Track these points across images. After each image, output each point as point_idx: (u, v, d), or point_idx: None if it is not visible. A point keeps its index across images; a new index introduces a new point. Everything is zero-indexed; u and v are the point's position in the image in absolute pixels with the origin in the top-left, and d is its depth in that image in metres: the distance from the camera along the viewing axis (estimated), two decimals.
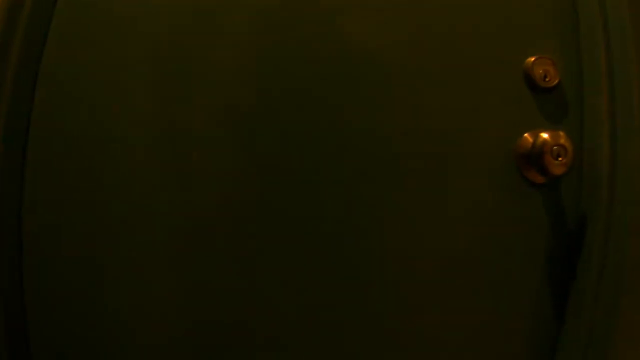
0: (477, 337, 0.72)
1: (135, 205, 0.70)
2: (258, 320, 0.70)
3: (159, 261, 0.70)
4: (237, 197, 0.70)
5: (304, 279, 0.70)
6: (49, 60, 0.69)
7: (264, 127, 0.71)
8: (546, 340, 0.73)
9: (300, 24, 0.72)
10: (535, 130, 0.72)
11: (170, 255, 0.70)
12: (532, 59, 0.72)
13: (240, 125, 0.71)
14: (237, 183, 0.70)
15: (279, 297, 0.70)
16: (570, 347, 0.70)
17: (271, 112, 0.71)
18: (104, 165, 0.70)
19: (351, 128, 0.71)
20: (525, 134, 0.72)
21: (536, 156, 0.69)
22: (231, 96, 0.71)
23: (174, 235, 0.70)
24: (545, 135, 0.69)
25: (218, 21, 0.72)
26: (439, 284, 0.71)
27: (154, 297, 0.69)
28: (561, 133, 0.69)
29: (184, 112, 0.71)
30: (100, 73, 0.71)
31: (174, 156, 0.70)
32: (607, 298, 0.67)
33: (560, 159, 0.68)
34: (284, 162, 0.70)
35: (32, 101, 0.68)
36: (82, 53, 0.71)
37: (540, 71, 0.72)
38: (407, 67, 0.72)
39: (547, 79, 0.72)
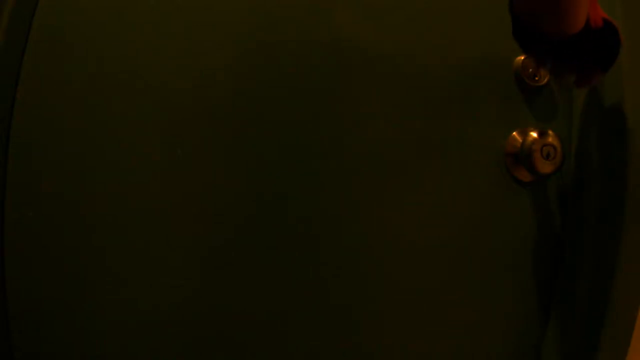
0: (462, 333, 0.72)
1: (124, 203, 0.69)
2: (252, 322, 0.70)
3: (153, 259, 0.69)
4: (225, 194, 0.70)
5: (300, 275, 0.70)
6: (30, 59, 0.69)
7: (252, 121, 0.70)
8: (531, 338, 0.73)
9: (291, 18, 0.71)
10: (524, 129, 0.72)
11: (164, 254, 0.69)
12: (522, 57, 0.72)
13: (228, 119, 0.70)
14: (224, 179, 0.70)
15: (275, 295, 0.70)
16: (556, 346, 0.71)
17: (260, 106, 0.70)
18: (92, 162, 0.69)
19: (340, 122, 0.71)
20: (514, 133, 0.73)
21: (525, 155, 0.69)
22: (219, 88, 0.70)
23: (163, 234, 0.69)
24: (534, 134, 0.69)
25: (208, 13, 0.71)
26: (427, 279, 0.72)
27: (150, 297, 0.69)
28: (550, 132, 0.69)
29: (169, 104, 0.70)
30: (83, 72, 0.70)
31: (161, 153, 0.70)
32: (595, 297, 0.67)
33: (549, 158, 0.68)
34: (273, 158, 0.70)
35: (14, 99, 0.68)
36: (64, 53, 0.70)
37: (530, 70, 0.72)
38: (398, 64, 0.72)
39: (536, 78, 0.72)
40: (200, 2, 0.71)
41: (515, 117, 0.73)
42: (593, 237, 0.69)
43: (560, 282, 0.72)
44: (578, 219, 0.71)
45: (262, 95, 0.70)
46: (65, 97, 0.69)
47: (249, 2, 0.71)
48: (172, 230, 0.69)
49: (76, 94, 0.70)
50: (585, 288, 0.68)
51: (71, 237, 0.69)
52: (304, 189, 0.70)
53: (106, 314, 0.69)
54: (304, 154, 0.70)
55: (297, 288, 0.70)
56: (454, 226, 0.72)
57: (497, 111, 0.73)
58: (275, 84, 0.70)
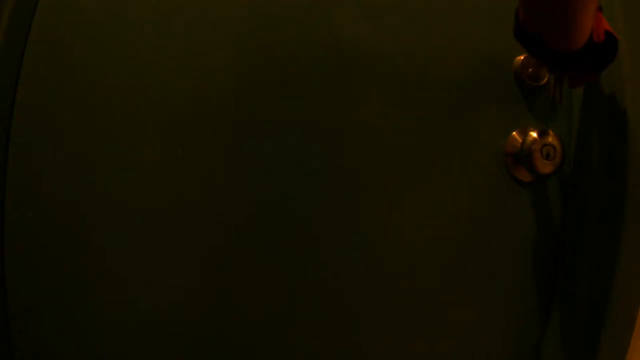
0: (462, 333, 0.72)
1: (124, 203, 0.69)
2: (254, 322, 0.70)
3: (154, 261, 0.69)
4: (225, 194, 0.70)
5: (300, 275, 0.70)
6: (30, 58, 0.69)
7: (252, 121, 0.70)
8: (531, 338, 0.73)
9: (291, 18, 0.71)
10: (524, 129, 0.72)
11: (164, 254, 0.69)
12: (522, 57, 0.72)
13: (228, 119, 0.70)
14: (224, 179, 0.70)
15: (275, 295, 0.70)
16: (556, 346, 0.71)
17: (260, 106, 0.70)
18: (92, 162, 0.69)
19: (340, 122, 0.71)
20: (514, 133, 0.73)
21: (525, 155, 0.69)
22: (219, 88, 0.70)
23: (163, 234, 0.69)
24: (534, 134, 0.69)
25: (208, 13, 0.71)
26: (427, 279, 0.72)
27: (150, 297, 0.69)
28: (550, 132, 0.69)
29: (169, 104, 0.70)
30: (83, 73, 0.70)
31: (161, 153, 0.70)
32: (595, 297, 0.67)
33: (549, 158, 0.68)
34: (273, 158, 0.70)
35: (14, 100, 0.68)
36: (64, 54, 0.70)
37: (530, 70, 0.72)
38: (398, 64, 0.72)
39: (536, 78, 0.72)
40: (200, 2, 0.71)
41: (515, 117, 0.73)
42: (593, 237, 0.69)
43: (560, 282, 0.72)
44: (578, 219, 0.71)
45: (262, 95, 0.70)
46: (65, 97, 0.69)
47: (249, 2, 0.71)
48: (172, 230, 0.69)
49: (76, 94, 0.69)
50: (585, 288, 0.68)
51: (71, 237, 0.69)
52: (304, 189, 0.70)
53: (106, 314, 0.69)
54: (304, 154, 0.70)
55: (297, 288, 0.70)
56: (454, 226, 0.72)
57: (497, 111, 0.73)
58: (276, 84, 0.70)
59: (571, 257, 0.71)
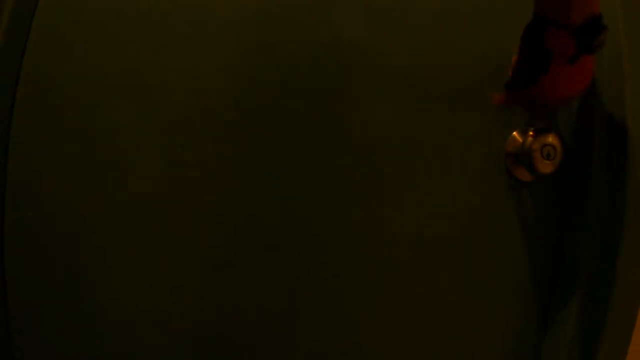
0: (462, 333, 0.72)
1: (124, 203, 0.69)
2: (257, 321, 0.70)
3: (156, 261, 0.69)
4: (225, 194, 0.70)
5: (300, 275, 0.70)
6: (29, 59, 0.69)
7: (252, 121, 0.70)
8: (531, 338, 0.73)
9: (291, 18, 0.71)
10: (524, 129, 0.72)
11: (164, 254, 0.69)
12: None
13: (228, 119, 0.70)
14: (224, 179, 0.70)
15: (275, 295, 0.70)
16: (556, 346, 0.71)
17: (260, 106, 0.70)
18: (92, 162, 0.69)
19: (340, 122, 0.71)
20: (514, 133, 0.73)
21: (525, 155, 0.69)
22: (220, 88, 0.70)
23: (163, 234, 0.69)
24: (534, 134, 0.69)
25: (208, 13, 0.71)
26: (427, 279, 0.72)
27: (150, 298, 0.69)
28: (550, 132, 0.69)
29: (169, 104, 0.70)
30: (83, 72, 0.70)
31: (161, 153, 0.70)
32: (595, 297, 0.67)
33: (549, 158, 0.68)
34: (273, 158, 0.70)
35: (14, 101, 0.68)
36: (64, 53, 0.70)
37: None
38: (398, 64, 0.72)
39: None
40: (200, 2, 0.71)
41: (515, 117, 0.73)
42: (593, 237, 0.69)
43: (560, 282, 0.72)
44: (578, 219, 0.71)
45: (262, 95, 0.70)
46: (65, 97, 0.69)
47: (249, 2, 0.71)
48: (172, 230, 0.69)
49: (76, 94, 0.70)
50: (585, 288, 0.68)
51: (71, 237, 0.69)
52: (304, 189, 0.70)
53: (106, 314, 0.69)
54: (304, 153, 0.70)
55: (297, 288, 0.70)
56: (454, 226, 0.72)
57: (497, 111, 0.73)
58: (276, 84, 0.70)
59: (571, 257, 0.71)
